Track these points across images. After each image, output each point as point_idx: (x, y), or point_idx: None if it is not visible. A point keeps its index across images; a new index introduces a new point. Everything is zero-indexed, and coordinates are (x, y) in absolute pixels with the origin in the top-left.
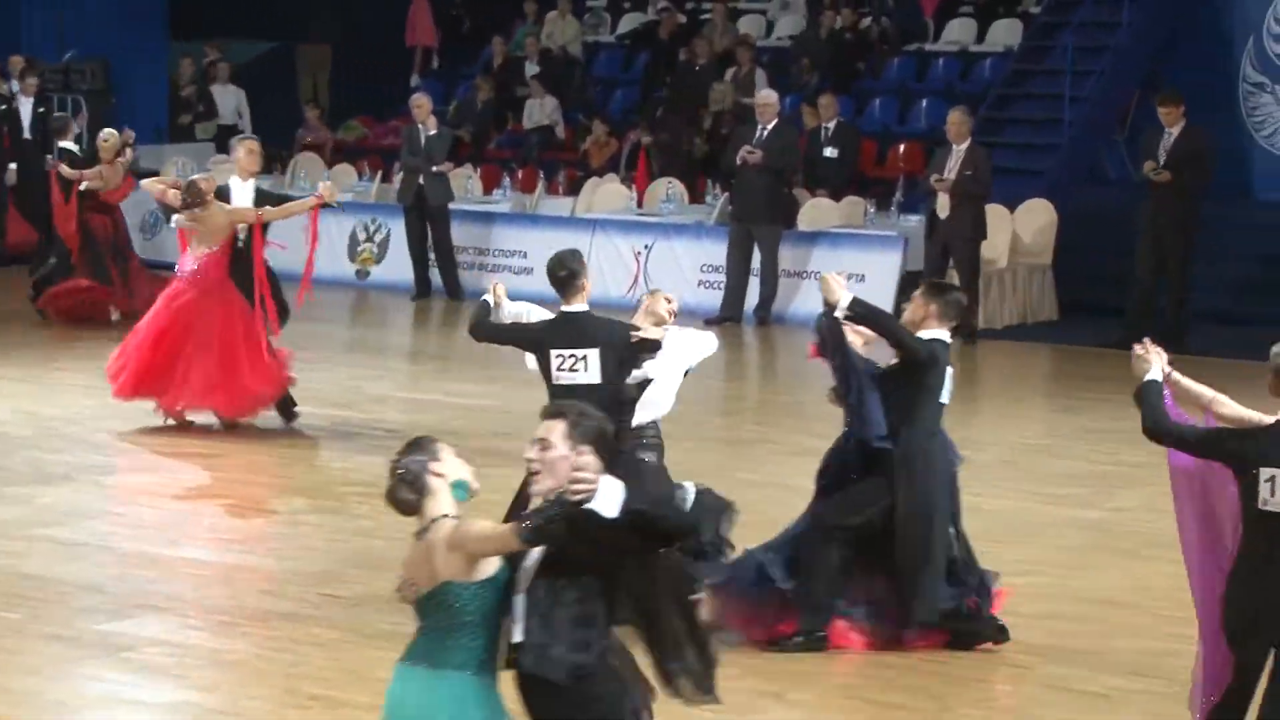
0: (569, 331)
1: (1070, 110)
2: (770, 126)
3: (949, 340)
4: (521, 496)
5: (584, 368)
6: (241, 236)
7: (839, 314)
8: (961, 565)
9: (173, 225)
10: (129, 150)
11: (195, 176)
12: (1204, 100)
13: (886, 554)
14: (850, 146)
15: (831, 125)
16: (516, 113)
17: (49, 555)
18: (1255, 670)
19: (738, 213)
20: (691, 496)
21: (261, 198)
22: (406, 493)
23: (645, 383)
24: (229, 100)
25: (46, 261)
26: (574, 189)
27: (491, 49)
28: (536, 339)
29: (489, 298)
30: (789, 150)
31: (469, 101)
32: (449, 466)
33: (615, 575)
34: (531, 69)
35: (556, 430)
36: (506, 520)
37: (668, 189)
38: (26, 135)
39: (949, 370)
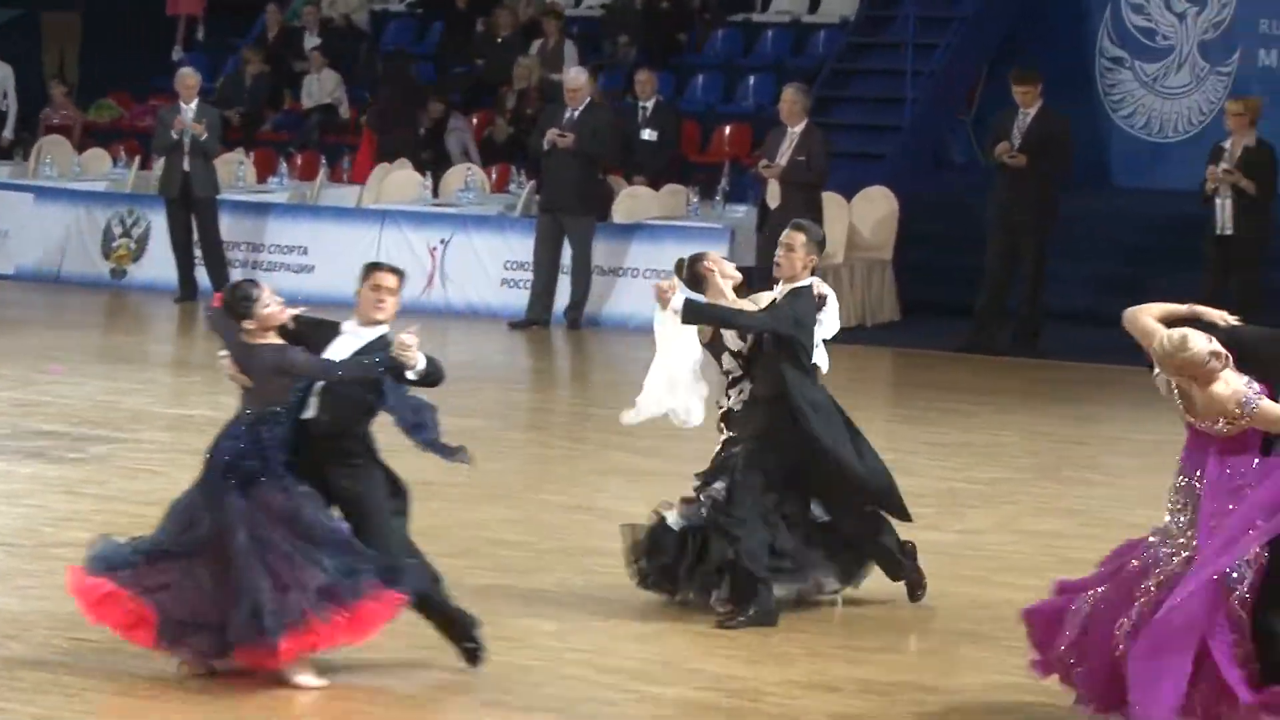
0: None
1: (912, 87)
2: (581, 107)
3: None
4: None
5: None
6: None
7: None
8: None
9: None
10: None
11: None
12: (1058, 77)
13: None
14: (670, 129)
15: (649, 105)
16: (294, 90)
17: None
18: None
19: (545, 203)
20: None
21: None
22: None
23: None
24: None
25: None
26: (360, 176)
27: (265, 18)
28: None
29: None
30: (602, 133)
31: (237, 77)
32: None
33: None
34: (311, 41)
35: None
36: None
37: (467, 176)
38: None
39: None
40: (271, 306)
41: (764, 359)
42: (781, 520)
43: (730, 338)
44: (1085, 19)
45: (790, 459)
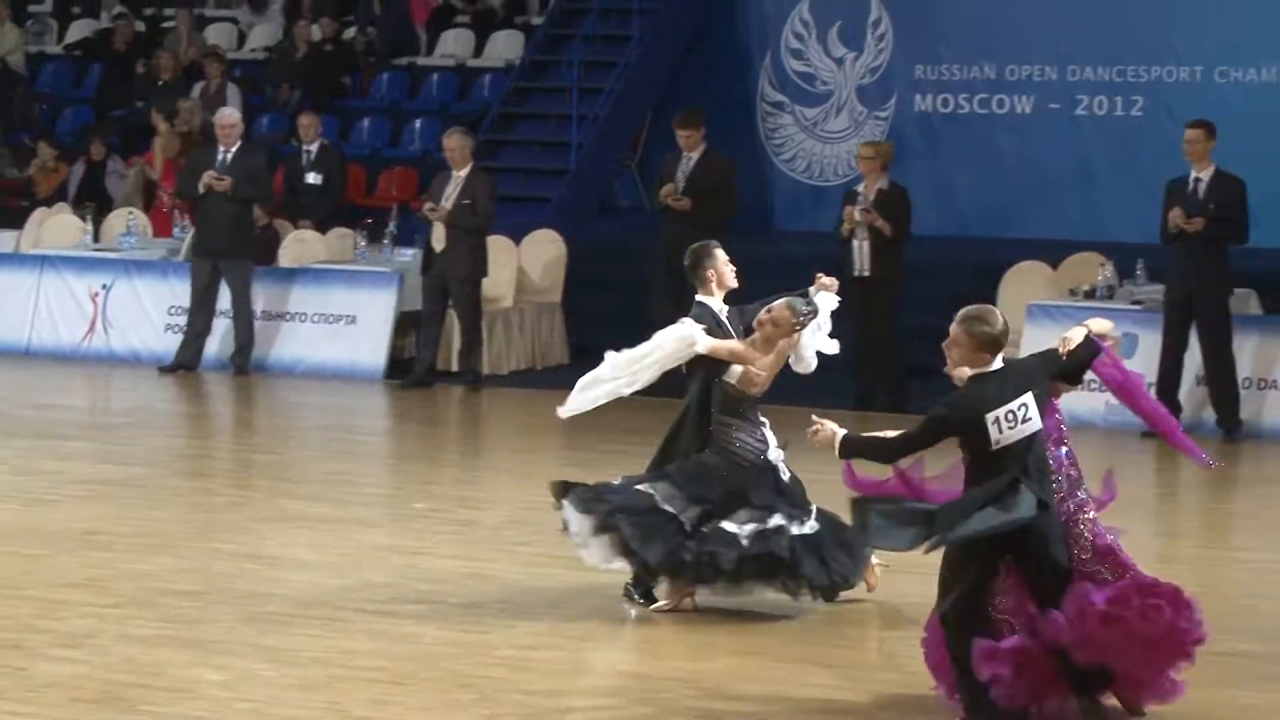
0: None
1: (578, 131)
2: (235, 149)
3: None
4: None
5: None
6: None
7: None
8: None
9: None
10: None
11: None
12: (721, 121)
13: None
14: (336, 172)
15: (314, 149)
16: None
17: None
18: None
19: (200, 246)
20: None
21: None
22: None
23: None
24: None
25: None
26: (17, 221)
27: None
28: None
29: None
30: (258, 176)
31: None
32: None
33: None
34: None
35: None
36: None
37: (129, 220)
38: None
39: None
40: None
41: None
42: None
43: None
44: (747, 64)
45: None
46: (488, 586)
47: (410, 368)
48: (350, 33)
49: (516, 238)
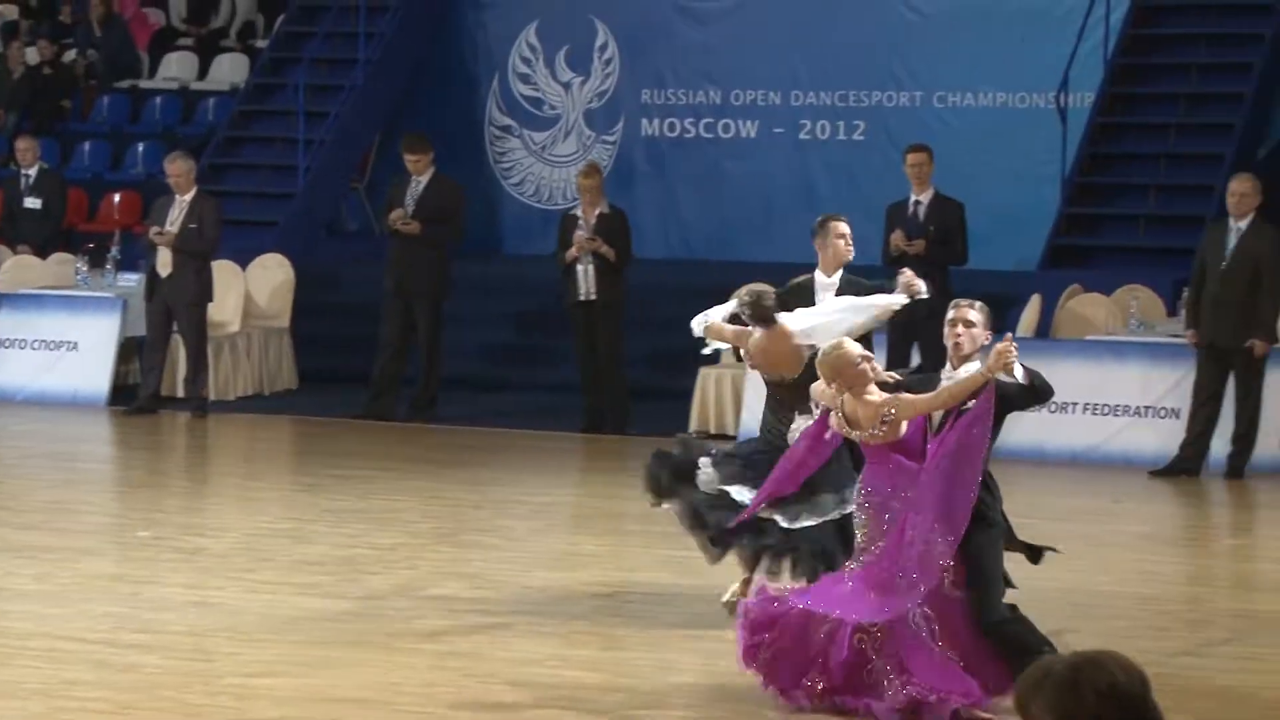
0: None
1: (305, 156)
2: None
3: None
4: None
5: None
6: None
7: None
8: None
9: None
10: None
11: None
12: (450, 145)
13: None
14: (56, 196)
15: (33, 173)
16: None
17: None
18: None
19: None
20: None
21: None
22: None
23: None
24: None
25: None
26: None
27: None
28: None
29: None
30: None
31: None
32: None
33: None
34: None
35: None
36: None
37: None
38: None
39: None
40: None
41: None
42: None
43: None
44: (474, 88)
45: None
46: (214, 614)
47: (135, 394)
48: (70, 55)
49: (243, 262)
